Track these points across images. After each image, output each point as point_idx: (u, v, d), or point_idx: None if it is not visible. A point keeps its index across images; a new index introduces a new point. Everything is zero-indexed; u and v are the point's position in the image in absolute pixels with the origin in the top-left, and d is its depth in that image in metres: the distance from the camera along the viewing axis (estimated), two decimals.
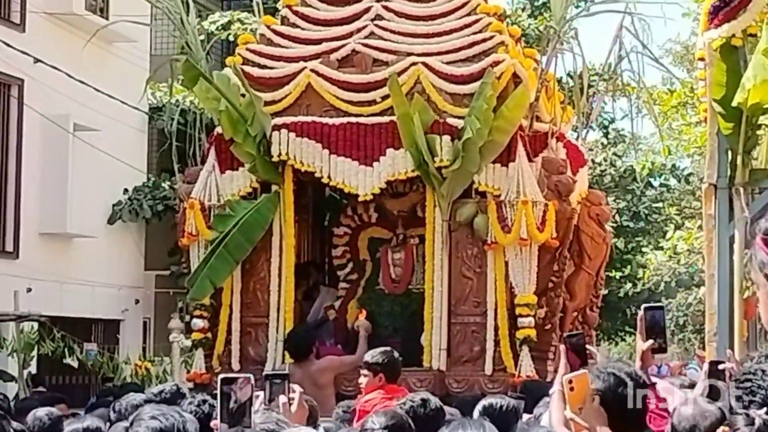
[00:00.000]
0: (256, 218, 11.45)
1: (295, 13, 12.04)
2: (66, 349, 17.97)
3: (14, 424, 5.39)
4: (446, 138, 11.01)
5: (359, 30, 11.74)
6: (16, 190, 18.62)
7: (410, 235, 11.99)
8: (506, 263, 11.00)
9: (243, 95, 11.50)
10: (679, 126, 24.19)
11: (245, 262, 11.56)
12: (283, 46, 11.89)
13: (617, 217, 24.14)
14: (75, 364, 18.57)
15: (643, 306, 5.07)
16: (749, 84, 8.93)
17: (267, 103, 11.49)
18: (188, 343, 11.69)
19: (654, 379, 5.85)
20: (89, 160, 19.30)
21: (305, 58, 11.65)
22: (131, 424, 3.69)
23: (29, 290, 17.93)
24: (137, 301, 21.20)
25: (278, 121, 11.40)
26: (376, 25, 11.74)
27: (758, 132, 9.74)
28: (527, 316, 10.93)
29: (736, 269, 9.35)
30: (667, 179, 27.32)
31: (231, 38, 20.83)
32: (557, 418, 5.53)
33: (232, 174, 11.61)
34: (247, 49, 11.85)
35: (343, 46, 11.65)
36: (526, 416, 6.89)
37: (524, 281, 10.96)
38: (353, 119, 11.33)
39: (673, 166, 27.26)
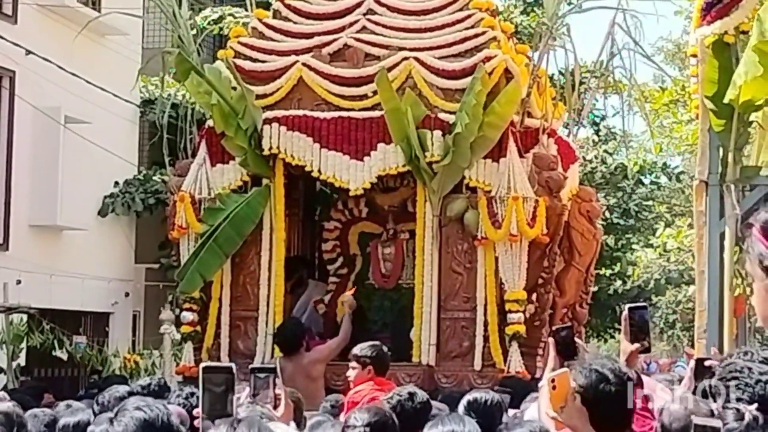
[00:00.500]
0: (246, 212, 11.44)
1: (287, 6, 12.04)
2: (55, 342, 17.95)
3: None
4: (437, 133, 11.00)
5: (351, 24, 11.73)
6: (7, 181, 18.58)
7: (401, 230, 11.99)
8: (496, 259, 11.01)
9: (234, 89, 11.50)
10: (670, 124, 24.24)
11: (235, 255, 11.56)
12: (275, 40, 11.88)
13: (607, 214, 24.14)
14: (64, 357, 18.54)
15: (627, 306, 5.07)
16: (740, 81, 8.95)
17: (258, 97, 11.48)
18: (179, 335, 11.67)
19: (644, 378, 5.86)
20: (80, 152, 19.26)
21: (297, 52, 11.64)
22: (116, 415, 3.68)
23: (19, 282, 17.89)
24: (127, 294, 21.16)
25: (269, 114, 11.40)
26: (368, 20, 11.73)
27: (749, 129, 9.76)
28: (517, 311, 10.94)
29: (726, 266, 9.37)
30: (657, 177, 27.33)
31: (223, 33, 20.80)
32: (546, 408, 5.54)
33: (222, 167, 11.60)
34: (239, 43, 11.84)
35: (335, 40, 11.64)
36: (511, 411, 6.89)
37: (514, 277, 10.96)
38: (344, 113, 11.33)
39: (664, 164, 27.27)
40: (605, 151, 26.01)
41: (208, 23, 21.18)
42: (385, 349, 8.77)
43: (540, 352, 11.11)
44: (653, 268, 25.34)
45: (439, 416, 5.44)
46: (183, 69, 11.68)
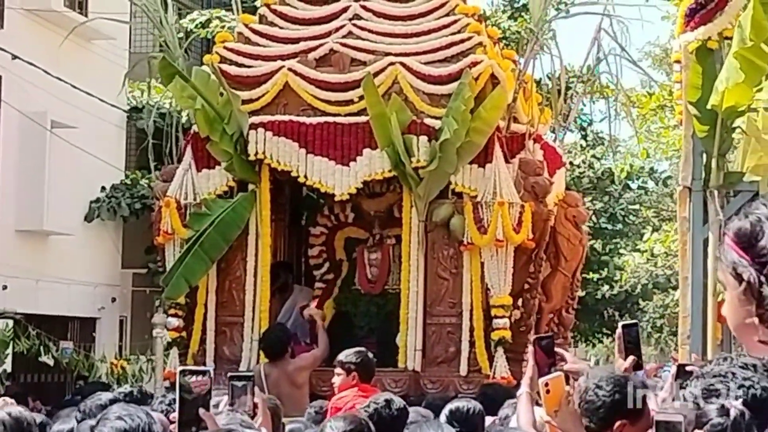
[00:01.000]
0: (232, 217, 11.42)
1: (274, 11, 12.03)
2: (41, 347, 17.91)
3: None
4: (423, 138, 11.00)
5: (337, 29, 11.73)
6: None
7: (387, 235, 11.98)
8: (482, 264, 11.00)
9: (221, 94, 11.48)
10: (658, 129, 24.24)
11: (221, 261, 11.54)
12: (260, 45, 11.87)
13: (594, 219, 24.17)
14: (50, 362, 18.51)
15: (620, 324, 5.09)
16: (723, 87, 8.95)
17: (244, 102, 11.46)
18: (170, 339, 11.65)
19: None
20: (67, 157, 19.23)
21: (283, 57, 11.63)
22: (97, 423, 3.66)
23: (5, 287, 17.85)
24: (114, 299, 21.13)
25: (255, 119, 11.38)
26: (354, 25, 11.72)
27: (733, 135, 9.76)
28: (502, 317, 10.94)
29: (710, 272, 9.36)
30: (645, 182, 27.38)
31: (210, 36, 20.78)
32: (526, 419, 5.53)
33: (208, 172, 11.58)
34: (225, 48, 11.82)
35: (321, 45, 11.63)
36: (489, 419, 6.88)
37: (500, 282, 10.96)
38: (330, 119, 11.31)
39: (651, 168, 27.31)
40: (593, 155, 26.06)
41: (196, 26, 21.16)
42: (370, 355, 8.75)
43: (526, 357, 11.09)
44: (641, 273, 25.37)
45: (417, 423, 5.43)
46: (167, 74, 11.66)
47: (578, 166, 25.20)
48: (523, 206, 11.03)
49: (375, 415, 5.77)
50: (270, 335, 11.06)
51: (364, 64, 11.40)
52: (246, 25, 12.03)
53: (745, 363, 4.90)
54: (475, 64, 11.16)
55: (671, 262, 23.45)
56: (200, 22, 21.84)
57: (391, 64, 11.29)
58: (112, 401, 5.65)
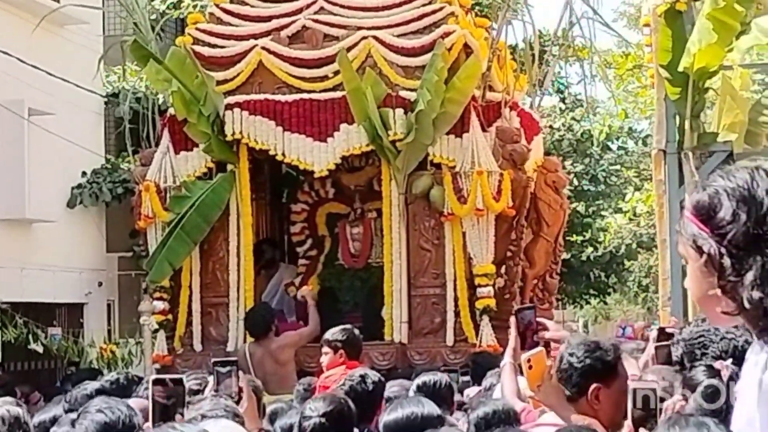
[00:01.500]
0: (212, 198, 11.44)
1: None
2: (30, 335, 17.89)
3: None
4: (399, 111, 11.01)
5: (309, 6, 11.71)
6: None
7: (368, 209, 12.01)
8: (464, 234, 11.04)
9: (197, 75, 11.46)
10: (635, 89, 24.28)
11: (203, 242, 11.56)
12: (233, 25, 11.85)
13: (576, 181, 24.19)
14: (40, 350, 18.47)
15: (514, 309, 5.17)
16: (695, 48, 8.98)
17: (219, 83, 11.46)
18: (157, 325, 11.67)
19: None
20: (46, 144, 19.15)
21: (256, 36, 11.62)
22: (78, 417, 3.69)
23: None
24: (100, 284, 21.08)
25: (231, 100, 11.39)
26: (325, 0, 11.70)
27: (705, 96, 9.79)
28: (486, 285, 10.99)
29: None
30: (624, 142, 27.41)
31: (183, 17, 20.69)
32: (510, 389, 5.59)
33: (186, 155, 11.59)
34: (197, 29, 11.80)
35: (293, 22, 11.62)
36: (476, 388, 6.93)
37: (482, 251, 11.00)
38: (306, 95, 11.33)
39: (630, 129, 27.35)
40: (572, 118, 26.05)
41: (168, 7, 21.07)
42: (356, 332, 8.77)
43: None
44: (624, 233, 25.44)
45: (398, 400, 5.47)
46: (140, 56, 11.66)
47: (558, 130, 25.21)
48: (501, 174, 11.06)
49: (351, 391, 5.80)
50: (253, 314, 11.10)
51: (337, 39, 11.40)
52: (218, 5, 12.01)
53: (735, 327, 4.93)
54: (447, 34, 11.16)
55: (654, 221, 23.50)
56: (172, 3, 21.74)
57: (364, 38, 11.29)
58: (98, 391, 5.69)
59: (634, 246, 25.63)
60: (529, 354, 4.47)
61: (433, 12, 11.43)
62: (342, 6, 11.68)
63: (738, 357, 5.10)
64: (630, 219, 25.22)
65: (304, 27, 11.58)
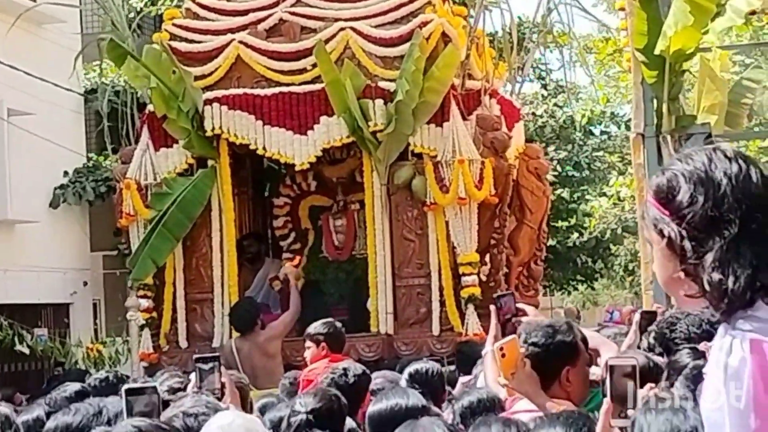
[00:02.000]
0: (193, 194, 11.40)
1: None
2: (15, 337, 17.84)
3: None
4: (379, 102, 10.98)
5: None
6: None
7: (350, 201, 11.98)
8: (447, 223, 11.02)
9: (174, 71, 11.41)
10: (616, 73, 24.27)
11: (186, 239, 11.52)
12: (209, 19, 11.80)
13: (560, 168, 24.22)
14: (26, 351, 18.44)
15: (494, 295, 5.18)
16: (671, 31, 8.95)
17: (197, 78, 11.41)
18: (143, 321, 11.62)
19: (586, 331, 5.90)
20: (27, 144, 19.10)
21: (233, 30, 11.57)
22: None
23: None
24: (85, 283, 21.06)
25: (210, 95, 11.34)
26: None
27: (682, 78, 9.78)
28: (471, 274, 10.97)
29: None
30: (607, 127, 27.45)
31: (160, 13, 20.61)
32: (492, 377, 5.56)
33: (166, 151, 11.54)
34: (174, 24, 11.75)
35: (270, 15, 11.58)
36: (465, 378, 6.92)
37: (466, 240, 10.98)
38: (285, 89, 11.28)
39: (612, 113, 27.37)
40: (554, 104, 26.06)
41: (145, 4, 20.99)
42: (339, 325, 8.76)
43: None
44: (609, 218, 25.46)
45: (383, 391, 5.45)
46: (116, 54, 11.61)
47: (540, 116, 25.22)
48: (483, 162, 11.04)
49: (333, 385, 5.79)
50: (238, 309, 11.06)
51: (315, 31, 11.36)
52: (194, 1, 11.95)
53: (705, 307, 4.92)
54: (425, 23, 11.13)
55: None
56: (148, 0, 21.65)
57: (342, 29, 11.25)
58: (78, 393, 5.65)
59: (619, 230, 25.66)
60: (501, 342, 4.46)
61: (411, 1, 11.39)
62: None
63: (706, 335, 5.12)
64: (614, 204, 25.23)
65: (281, 20, 11.54)
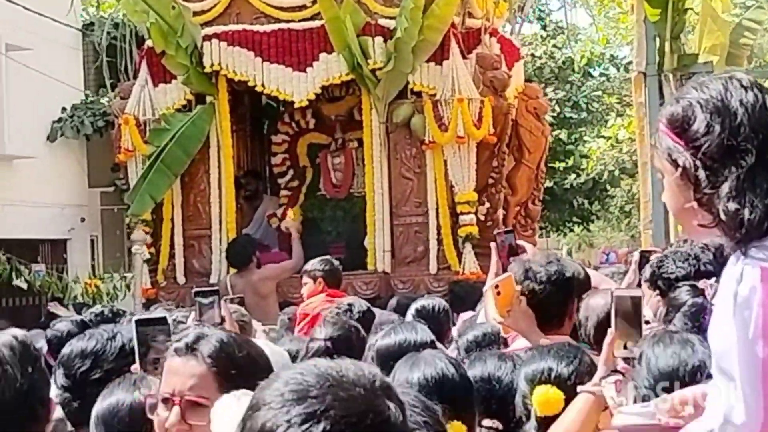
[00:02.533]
0: (192, 130, 11.38)
1: None
2: (13, 272, 17.87)
3: None
4: (379, 39, 10.93)
5: None
6: None
7: (349, 138, 11.96)
8: (445, 162, 11.01)
9: (173, 6, 11.34)
10: (616, 15, 24.15)
11: (184, 175, 11.52)
12: None
13: (558, 109, 24.14)
14: (24, 286, 18.46)
15: (495, 232, 5.22)
16: None
17: (196, 14, 11.36)
18: (149, 255, 11.61)
19: (590, 271, 5.93)
20: (24, 80, 19.02)
21: None
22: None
23: None
24: (83, 219, 21.04)
25: (209, 31, 11.29)
26: None
27: (685, 17, 9.71)
28: (468, 213, 10.98)
29: None
30: (606, 68, 27.33)
31: None
32: (492, 314, 5.59)
33: (165, 87, 11.51)
34: None
35: None
36: (466, 314, 6.95)
37: (464, 179, 10.98)
38: (284, 25, 11.23)
39: (612, 55, 27.25)
40: (554, 45, 25.94)
41: None
42: (336, 263, 8.79)
43: None
44: (606, 160, 25.44)
45: (391, 326, 5.47)
46: None
47: (539, 57, 25.11)
48: (482, 101, 11.01)
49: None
50: (234, 246, 11.10)
51: None
52: None
53: (704, 245, 4.95)
54: None
55: (636, 147, 23.49)
56: None
57: None
58: (80, 322, 5.68)
59: (616, 172, 25.64)
60: (497, 280, 4.48)
61: None
62: None
63: (696, 273, 5.16)
64: (612, 145, 25.20)
65: None
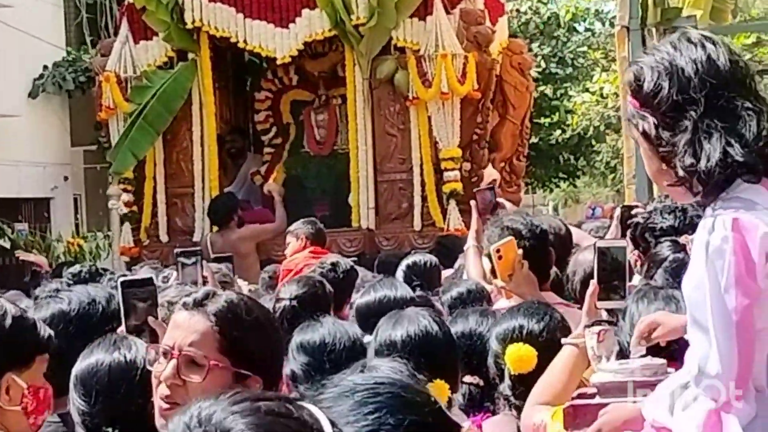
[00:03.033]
0: (174, 88, 11.30)
1: None
2: None
3: None
4: None
5: None
6: None
7: (332, 95, 11.88)
8: (429, 118, 10.95)
9: None
10: None
11: (166, 132, 11.45)
12: None
13: (543, 64, 24.06)
14: (7, 245, 18.38)
15: (475, 189, 5.21)
16: None
17: None
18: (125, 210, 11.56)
19: (572, 228, 5.90)
20: (5, 37, 18.87)
21: None
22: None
23: None
24: (66, 178, 20.97)
25: None
26: None
27: None
28: (453, 170, 10.94)
29: None
30: (592, 23, 27.23)
31: None
32: (475, 271, 5.56)
33: (146, 44, 11.42)
34: None
35: None
36: (447, 271, 6.93)
37: (448, 135, 10.93)
38: None
39: (597, 10, 27.14)
40: (539, 0, 25.83)
41: None
42: (320, 224, 8.78)
43: None
44: (592, 115, 25.39)
45: (371, 283, 5.45)
46: None
47: (524, 13, 24.99)
48: (466, 57, 10.94)
49: (322, 278, 5.78)
50: (214, 204, 11.09)
51: None
52: None
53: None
54: None
55: (621, 102, 23.43)
56: None
57: None
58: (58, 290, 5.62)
59: (601, 128, 25.60)
60: (498, 244, 4.41)
61: None
62: None
63: (677, 222, 5.17)
64: (597, 101, 25.13)
65: None
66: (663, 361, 3.03)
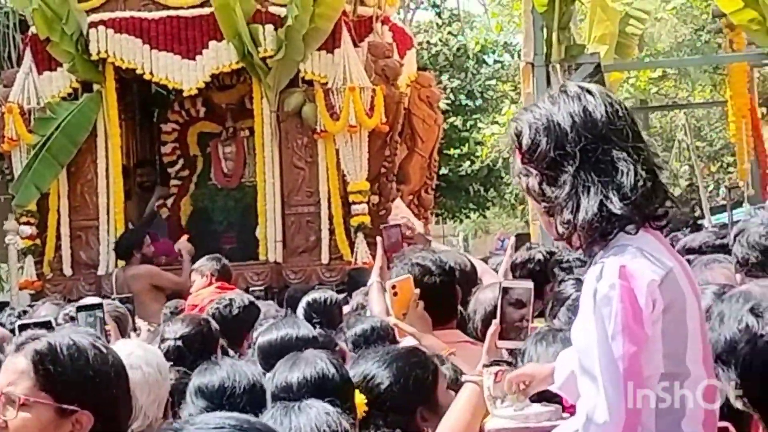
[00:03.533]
0: (78, 119, 11.17)
1: None
2: None
3: None
4: (269, 27, 10.82)
5: None
6: None
7: (240, 127, 11.81)
8: (337, 151, 10.94)
9: None
10: (510, 1, 24.26)
11: (71, 165, 11.30)
12: None
13: (453, 96, 24.20)
14: None
15: (381, 226, 5.21)
16: None
17: (81, 0, 11.11)
18: (22, 245, 11.38)
19: (474, 261, 5.90)
20: None
21: None
22: None
23: None
24: None
25: (95, 17, 11.08)
26: None
27: (572, 7, 9.76)
28: (361, 203, 10.93)
29: None
30: (500, 56, 27.47)
31: None
32: (379, 308, 5.52)
33: (50, 75, 11.27)
34: None
35: None
36: (346, 307, 6.88)
37: (356, 168, 10.92)
38: (173, 12, 11.07)
39: (506, 42, 27.40)
40: (449, 32, 26.01)
41: None
42: (226, 261, 8.71)
43: None
44: (501, 147, 25.57)
45: (273, 322, 5.38)
46: None
47: (434, 45, 25.14)
48: (374, 90, 10.95)
49: (217, 315, 5.72)
50: (120, 238, 11.01)
51: None
52: None
53: None
54: None
55: None
56: None
57: None
58: None
59: (510, 159, 25.77)
60: (395, 280, 4.38)
61: None
62: None
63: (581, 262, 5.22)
64: (506, 133, 25.32)
65: None
66: (557, 406, 3.01)
